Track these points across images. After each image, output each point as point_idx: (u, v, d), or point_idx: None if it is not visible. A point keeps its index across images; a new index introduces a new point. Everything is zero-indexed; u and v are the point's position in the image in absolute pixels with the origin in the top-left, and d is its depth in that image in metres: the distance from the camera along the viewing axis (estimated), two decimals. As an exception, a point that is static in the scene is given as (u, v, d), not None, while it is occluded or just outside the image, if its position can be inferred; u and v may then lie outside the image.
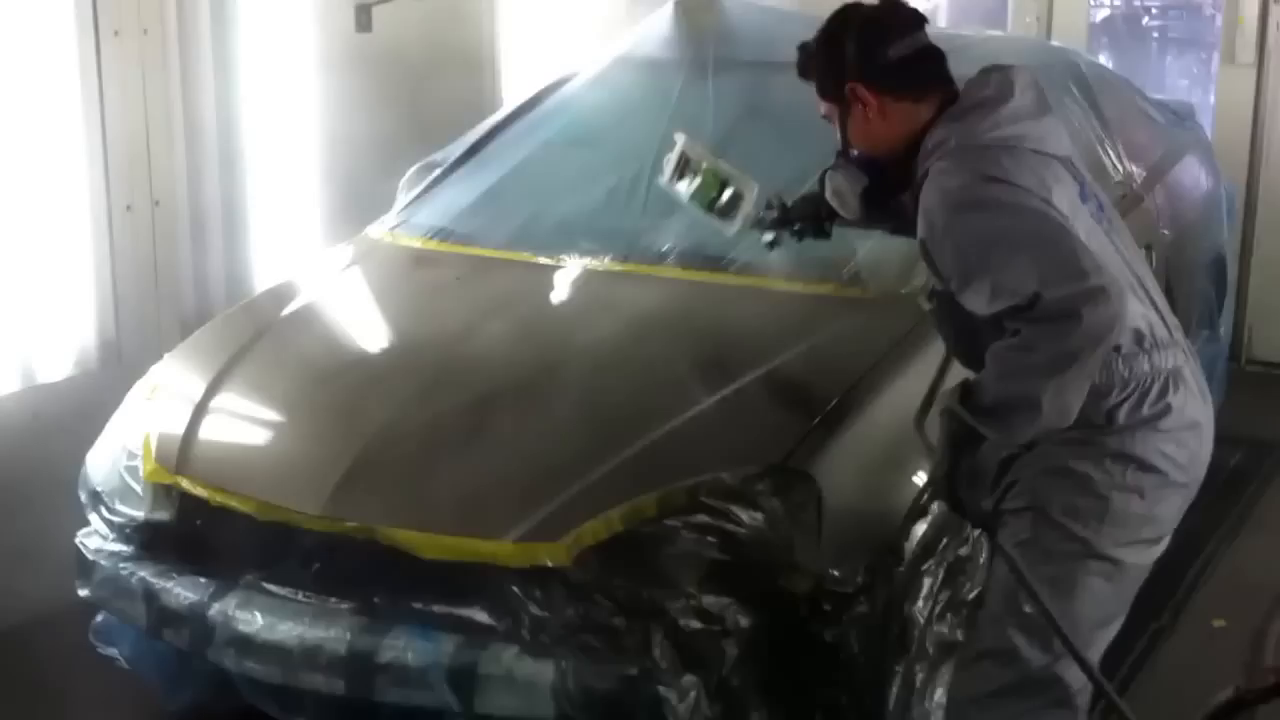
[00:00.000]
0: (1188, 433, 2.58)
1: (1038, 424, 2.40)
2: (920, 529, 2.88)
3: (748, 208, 2.97)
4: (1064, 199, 2.48)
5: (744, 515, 2.76)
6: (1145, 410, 2.53)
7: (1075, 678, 2.56)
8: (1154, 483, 2.55)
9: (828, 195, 2.76)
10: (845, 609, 2.74)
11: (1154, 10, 8.67)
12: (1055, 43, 5.86)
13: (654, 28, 4.37)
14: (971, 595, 3.03)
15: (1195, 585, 3.91)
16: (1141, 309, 2.54)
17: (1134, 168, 4.47)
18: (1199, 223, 4.86)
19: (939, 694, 3.02)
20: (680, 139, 2.97)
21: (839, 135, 2.67)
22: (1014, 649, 2.57)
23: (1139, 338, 2.52)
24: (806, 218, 3.00)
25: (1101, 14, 8.19)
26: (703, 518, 2.76)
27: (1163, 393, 2.54)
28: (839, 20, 2.67)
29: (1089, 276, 2.33)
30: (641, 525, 2.76)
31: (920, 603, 2.90)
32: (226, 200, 4.46)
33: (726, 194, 2.96)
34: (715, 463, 2.82)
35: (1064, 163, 2.57)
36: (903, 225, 2.68)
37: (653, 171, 3.68)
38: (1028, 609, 2.52)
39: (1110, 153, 4.36)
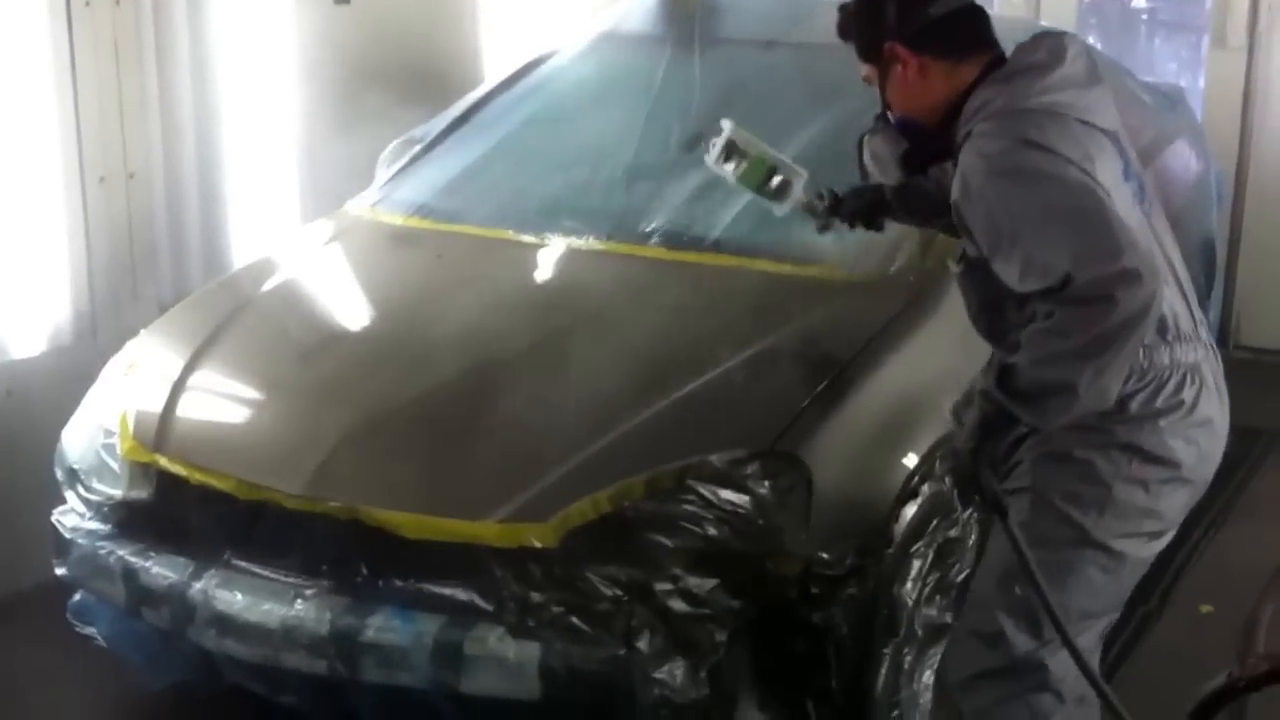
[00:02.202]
0: (1199, 430, 2.51)
1: (1075, 409, 2.33)
2: (910, 511, 2.86)
3: (797, 193, 2.92)
4: (1106, 173, 2.39)
5: (732, 499, 2.73)
6: (1159, 403, 2.46)
7: (1061, 666, 2.51)
8: (1160, 476, 2.49)
9: (865, 160, 2.67)
10: (834, 592, 2.73)
11: (1143, -8, 8.59)
12: (1044, 23, 5.82)
13: (639, 3, 4.32)
14: (961, 577, 3.01)
15: (1183, 570, 3.90)
16: (1170, 295, 2.46)
17: (1125, 150, 4.43)
18: (1189, 207, 4.83)
19: (927, 676, 3.01)
20: (727, 125, 2.91)
21: (880, 97, 2.58)
22: (1000, 631, 2.52)
23: (1163, 328, 2.44)
24: (858, 211, 2.91)
25: (1090, -4, 8.12)
26: (691, 501, 2.73)
27: (1179, 387, 2.47)
28: None
29: (1123, 255, 2.24)
30: (629, 507, 2.73)
31: (909, 585, 2.88)
32: (203, 173, 4.38)
33: (775, 180, 2.91)
34: (703, 445, 2.79)
35: (1110, 137, 2.48)
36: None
37: (636, 154, 3.74)
38: (1019, 592, 2.48)
39: (1100, 135, 4.32)
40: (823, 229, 2.98)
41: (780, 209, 2.95)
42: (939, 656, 2.98)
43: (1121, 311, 2.23)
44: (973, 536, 3.03)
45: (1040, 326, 2.30)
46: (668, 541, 2.71)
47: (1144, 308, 2.25)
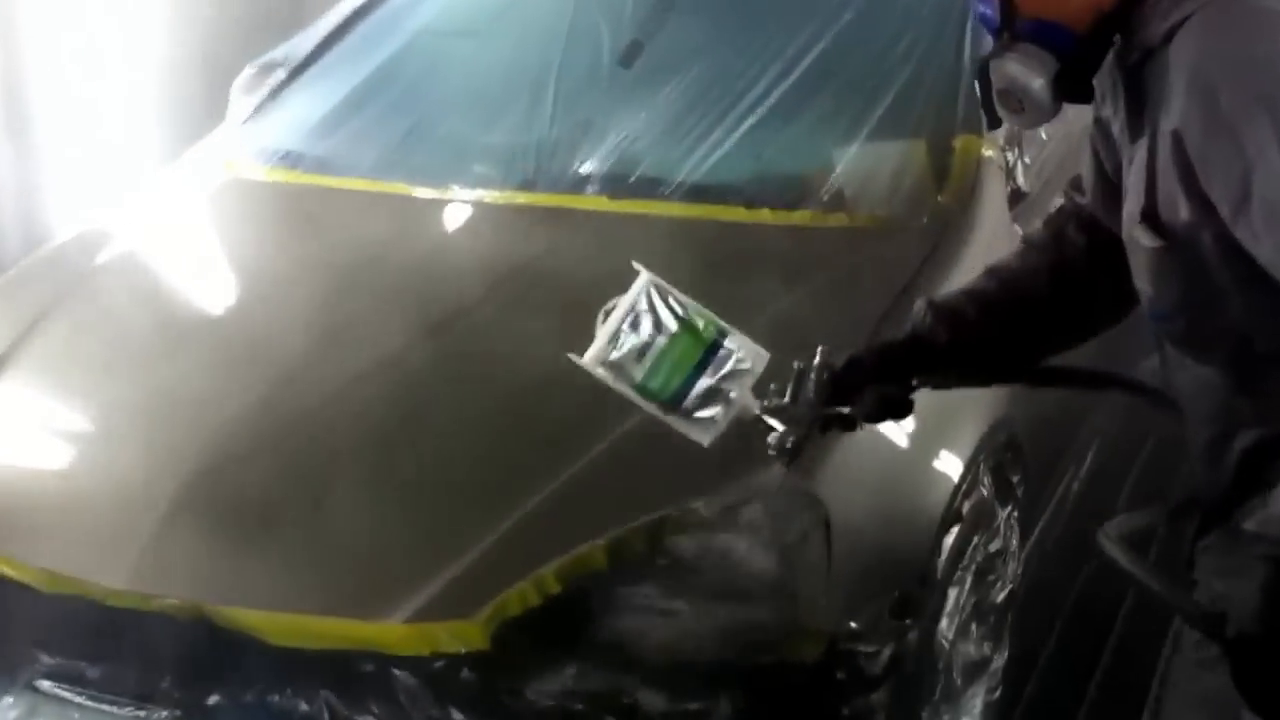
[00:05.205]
0: None
1: None
2: (950, 539, 2.41)
3: (745, 390, 1.86)
4: None
5: (727, 562, 2.19)
6: None
7: None
8: None
9: (995, 95, 1.90)
10: (870, 671, 2.21)
11: None
12: None
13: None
14: (1002, 597, 2.67)
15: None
16: None
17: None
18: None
19: (967, 721, 2.68)
20: (643, 275, 1.87)
21: (995, 6, 1.85)
22: None
23: None
24: (884, 379, 1.97)
25: None
26: (670, 570, 2.19)
27: None
28: None
29: None
30: (585, 586, 2.17)
31: (945, 620, 2.47)
32: (11, 120, 3.68)
33: (722, 362, 1.87)
34: (682, 488, 2.21)
35: None
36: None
37: (561, 72, 3.16)
38: None
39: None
40: (790, 453, 1.91)
41: (706, 432, 1.84)
42: (978, 699, 2.62)
43: None
44: (1013, 544, 2.68)
45: None
46: (641, 630, 2.16)
47: None
